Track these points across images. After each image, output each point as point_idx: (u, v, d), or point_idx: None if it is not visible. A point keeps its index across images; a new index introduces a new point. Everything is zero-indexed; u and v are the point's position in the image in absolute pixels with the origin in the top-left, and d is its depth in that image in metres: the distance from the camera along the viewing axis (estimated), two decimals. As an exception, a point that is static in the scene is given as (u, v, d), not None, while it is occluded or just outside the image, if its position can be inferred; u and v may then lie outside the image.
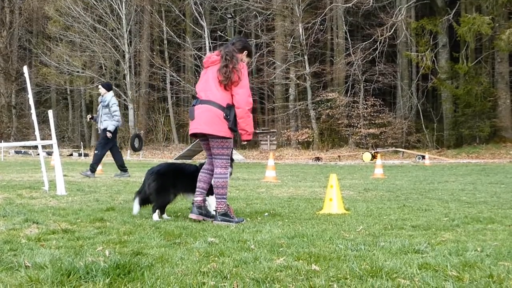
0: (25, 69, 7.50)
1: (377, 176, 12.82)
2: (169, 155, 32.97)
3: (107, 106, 10.86)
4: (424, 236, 3.90)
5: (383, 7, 33.12)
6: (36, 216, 4.58)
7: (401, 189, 8.79)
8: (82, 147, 35.91)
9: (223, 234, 3.89)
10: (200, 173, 4.78)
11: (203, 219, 4.68)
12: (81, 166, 16.38)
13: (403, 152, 29.05)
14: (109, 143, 10.99)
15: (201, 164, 4.95)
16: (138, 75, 41.25)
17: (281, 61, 34.90)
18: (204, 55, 25.34)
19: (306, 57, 33.49)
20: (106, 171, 13.33)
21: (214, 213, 4.75)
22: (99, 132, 11.48)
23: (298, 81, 34.78)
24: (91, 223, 4.40)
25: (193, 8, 35.13)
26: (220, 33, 37.23)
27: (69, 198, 6.46)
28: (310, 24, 32.57)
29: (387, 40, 30.96)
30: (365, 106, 33.07)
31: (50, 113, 7.48)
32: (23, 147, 34.97)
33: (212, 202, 4.83)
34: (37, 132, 7.49)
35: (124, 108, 41.57)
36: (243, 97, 4.56)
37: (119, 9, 36.40)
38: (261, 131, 36.86)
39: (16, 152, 34.81)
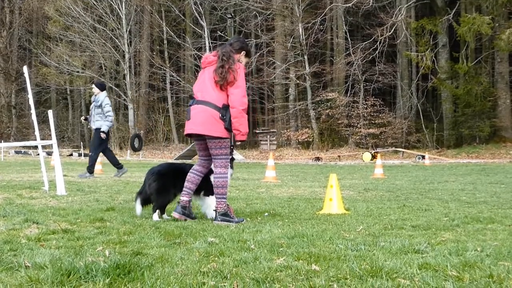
0: (25, 69, 7.50)
1: (377, 176, 12.82)
2: (169, 155, 32.96)
3: (100, 106, 10.71)
4: (424, 236, 3.90)
5: (383, 7, 33.12)
6: (36, 216, 4.58)
7: (401, 189, 8.79)
8: (82, 147, 35.90)
9: (223, 234, 3.89)
10: (189, 173, 4.78)
11: (185, 219, 4.67)
12: (81, 166, 16.38)
13: (403, 152, 29.05)
14: (103, 144, 10.88)
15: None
16: (138, 75, 41.25)
17: (281, 61, 34.90)
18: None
19: (306, 57, 33.48)
20: (106, 171, 13.32)
21: (213, 213, 4.76)
22: (89, 126, 11.33)
23: (298, 81, 34.78)
24: (91, 223, 4.40)
25: (193, 8, 35.13)
26: (220, 33, 37.22)
27: (69, 198, 6.46)
28: (310, 24, 32.57)
29: (387, 40, 30.96)
30: (365, 106, 33.07)
31: (50, 113, 7.48)
32: (23, 147, 34.97)
33: (212, 202, 4.83)
34: (37, 132, 7.49)
35: (124, 108, 41.63)
36: (237, 97, 4.56)
37: (119, 9, 36.39)
38: (261, 131, 36.87)
39: (16, 152, 34.80)
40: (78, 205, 5.81)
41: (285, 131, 35.01)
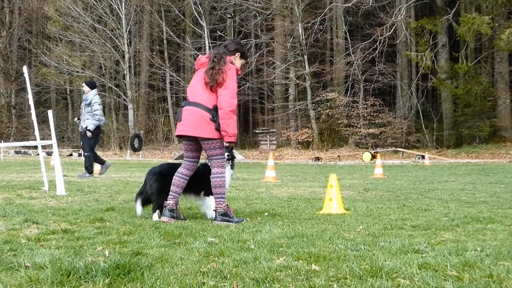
0: (25, 69, 7.50)
1: (376, 176, 12.83)
2: (169, 155, 32.96)
3: (89, 104, 10.69)
4: (424, 236, 3.90)
5: (383, 7, 33.10)
6: (36, 216, 4.58)
7: (401, 189, 8.79)
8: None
9: (223, 234, 3.89)
10: (174, 177, 4.77)
11: (175, 221, 4.68)
12: (81, 166, 16.33)
13: (403, 152, 29.05)
14: (94, 141, 10.85)
15: (202, 165, 4.95)
16: (137, 75, 41.24)
17: (281, 61, 34.90)
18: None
19: (305, 57, 33.48)
20: (106, 171, 13.31)
21: (213, 213, 4.76)
22: (80, 130, 11.25)
23: (297, 81, 34.78)
24: (91, 223, 4.41)
25: (193, 8, 35.13)
26: (220, 33, 37.21)
27: (69, 198, 6.46)
28: (309, 24, 32.55)
29: (386, 40, 30.95)
30: (365, 106, 33.06)
31: (50, 113, 7.48)
32: (23, 147, 34.95)
33: (212, 202, 4.83)
34: (36, 132, 7.49)
35: (124, 108, 41.59)
36: (226, 98, 4.55)
37: (119, 9, 36.39)
38: (261, 131, 36.87)
39: (16, 152, 34.79)
40: (78, 205, 5.81)
41: (285, 131, 35.00)
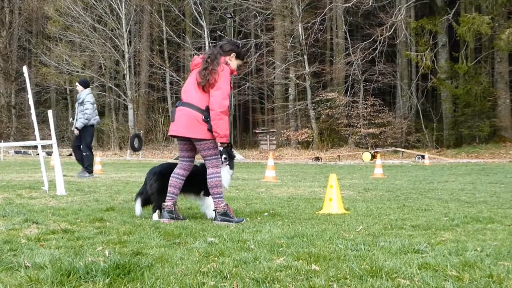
0: (25, 69, 7.50)
1: (376, 176, 12.83)
2: (169, 155, 32.95)
3: (82, 103, 10.68)
4: (424, 236, 3.90)
5: (383, 7, 33.10)
6: (35, 216, 4.58)
7: (401, 189, 8.79)
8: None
9: (223, 234, 3.89)
10: (171, 178, 4.77)
11: (175, 221, 4.68)
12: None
13: (403, 152, 29.05)
14: (90, 140, 10.83)
15: (202, 165, 4.95)
16: (137, 75, 41.24)
17: (281, 61, 34.89)
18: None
19: (305, 57, 33.47)
20: (106, 171, 13.34)
21: (213, 213, 4.76)
22: (72, 129, 11.18)
23: (297, 81, 34.78)
24: (91, 223, 4.41)
25: (193, 8, 35.12)
26: (220, 33, 37.21)
27: (68, 198, 6.46)
28: (309, 24, 32.56)
29: (386, 40, 30.95)
30: (365, 106, 33.06)
31: (50, 113, 7.48)
32: (23, 147, 34.95)
33: (212, 202, 4.83)
34: (36, 132, 7.49)
35: (123, 108, 41.58)
36: (217, 99, 4.54)
37: (119, 9, 36.38)
38: (261, 131, 36.87)
39: (16, 152, 34.78)
40: (77, 205, 5.81)
41: (284, 131, 35.00)
